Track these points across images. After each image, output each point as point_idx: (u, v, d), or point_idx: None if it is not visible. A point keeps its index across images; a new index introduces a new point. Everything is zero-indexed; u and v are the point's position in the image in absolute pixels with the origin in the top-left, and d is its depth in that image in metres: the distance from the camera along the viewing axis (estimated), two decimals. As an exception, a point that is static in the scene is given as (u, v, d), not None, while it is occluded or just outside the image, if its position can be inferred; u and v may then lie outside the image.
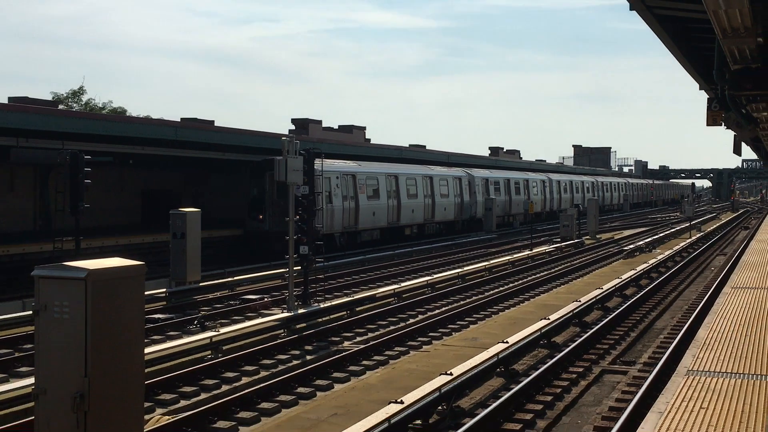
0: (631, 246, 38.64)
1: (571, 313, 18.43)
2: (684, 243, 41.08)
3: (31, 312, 7.26)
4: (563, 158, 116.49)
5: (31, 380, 8.99)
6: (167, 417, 11.56)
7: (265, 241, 32.14)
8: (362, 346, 16.45)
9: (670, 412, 8.63)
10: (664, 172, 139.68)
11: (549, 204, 63.18)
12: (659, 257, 32.81)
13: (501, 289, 25.33)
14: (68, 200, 20.25)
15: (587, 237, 44.52)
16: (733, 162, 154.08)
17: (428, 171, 44.65)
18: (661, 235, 47.12)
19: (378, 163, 41.05)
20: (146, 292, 8.56)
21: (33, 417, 7.03)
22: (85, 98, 57.98)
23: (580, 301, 19.78)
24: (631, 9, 10.84)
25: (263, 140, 34.24)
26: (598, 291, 21.67)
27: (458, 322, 19.60)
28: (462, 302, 22.72)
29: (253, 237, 33.56)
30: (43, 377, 6.88)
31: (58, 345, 6.77)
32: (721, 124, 17.67)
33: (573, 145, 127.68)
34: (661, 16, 11.55)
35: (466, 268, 28.80)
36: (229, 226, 34.13)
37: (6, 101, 28.59)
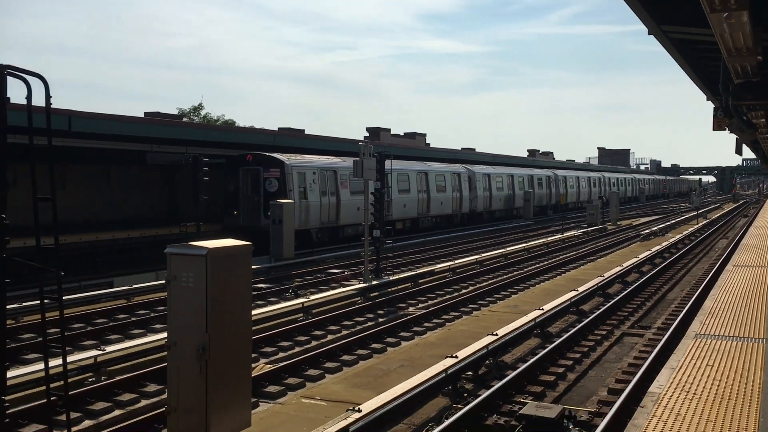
0: (647, 231, 37.63)
1: (596, 286, 18.08)
2: (692, 228, 39.85)
3: (163, 281, 7.43)
4: (589, 158, 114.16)
5: (164, 335, 9.25)
6: (269, 365, 11.76)
7: (241, 236, 30.19)
8: (424, 311, 16.45)
9: (681, 368, 8.42)
10: (675, 170, 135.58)
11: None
12: (671, 240, 31.91)
13: (537, 265, 24.98)
14: (191, 193, 20.72)
15: (610, 224, 43.52)
16: (735, 161, 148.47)
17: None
18: (673, 221, 45.77)
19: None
20: (252, 267, 8.64)
21: (166, 363, 7.19)
22: (203, 112, 59.14)
23: (603, 276, 19.39)
24: (649, 34, 10.54)
25: (343, 145, 34.36)
26: (619, 268, 21.22)
27: (502, 293, 19.42)
28: (505, 276, 22.50)
29: (230, 232, 30.46)
30: (174, 333, 7.02)
31: (185, 307, 6.89)
32: (725, 129, 17.14)
33: (597, 147, 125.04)
34: (675, 39, 11.22)
35: (508, 249, 28.49)
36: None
37: (142, 115, 29.37)
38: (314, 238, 28.14)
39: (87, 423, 9.20)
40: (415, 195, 35.46)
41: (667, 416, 6.75)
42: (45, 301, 5.50)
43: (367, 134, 43.40)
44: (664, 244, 29.78)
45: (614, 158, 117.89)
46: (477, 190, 42.34)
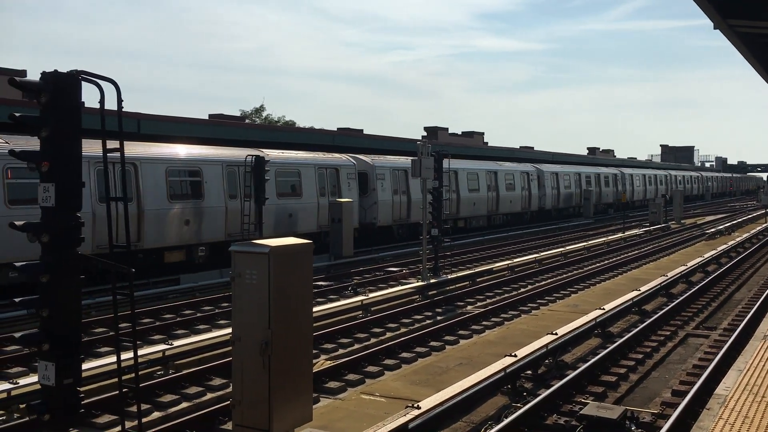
0: (712, 230, 36.47)
1: (658, 286, 17.64)
2: (760, 227, 38.38)
3: (226, 279, 7.60)
4: (651, 156, 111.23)
5: (229, 330, 9.45)
6: (329, 361, 11.88)
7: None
8: (482, 310, 16.34)
9: (748, 370, 8.15)
10: (741, 167, 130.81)
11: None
12: (737, 239, 30.83)
13: (597, 265, 24.50)
14: (253, 193, 21.06)
15: (673, 222, 42.34)
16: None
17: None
18: (739, 220, 44.20)
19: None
20: (313, 264, 8.68)
21: (231, 358, 7.35)
22: (264, 113, 60.20)
23: (666, 275, 18.89)
24: (714, 28, 10.22)
25: (401, 144, 34.43)
26: (683, 267, 20.62)
27: (561, 292, 19.13)
28: (564, 275, 22.15)
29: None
30: (238, 328, 7.14)
31: (249, 304, 7.01)
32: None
33: (660, 145, 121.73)
34: (742, 32, 10.84)
35: (567, 248, 28.04)
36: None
37: (207, 117, 30.08)
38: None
39: (156, 414, 9.49)
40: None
41: (734, 419, 6.54)
42: (117, 297, 5.70)
43: (425, 133, 43.36)
44: (731, 243, 28.79)
45: (678, 155, 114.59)
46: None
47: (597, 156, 67.76)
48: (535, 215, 42.63)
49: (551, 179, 44.05)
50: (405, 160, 29.78)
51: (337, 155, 27.50)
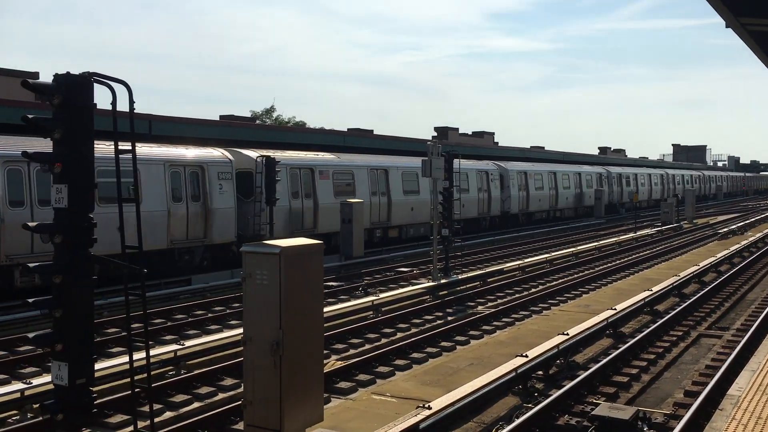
0: (725, 229, 36.20)
1: (671, 286, 17.54)
2: (773, 227, 38.12)
3: (237, 279, 7.62)
4: (663, 155, 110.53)
5: (240, 330, 9.47)
6: (340, 362, 11.88)
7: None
8: (493, 310, 16.31)
9: (762, 370, 8.09)
10: (754, 166, 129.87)
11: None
12: (750, 239, 30.60)
13: (609, 265, 24.39)
14: (264, 194, 21.13)
15: (685, 222, 42.08)
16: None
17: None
18: (752, 220, 43.87)
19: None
20: (324, 265, 8.62)
21: (242, 358, 7.37)
22: (275, 114, 60.32)
23: (679, 275, 18.79)
24: (726, 27, 10.16)
25: (412, 145, 34.43)
26: (695, 267, 20.50)
27: (572, 292, 19.06)
28: (575, 275, 22.06)
29: None
30: (249, 328, 7.17)
31: (260, 304, 7.03)
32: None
33: (672, 144, 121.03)
34: (754, 31, 10.77)
35: (579, 248, 27.93)
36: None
37: (218, 118, 30.20)
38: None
39: (168, 414, 9.53)
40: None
41: (747, 419, 6.50)
42: (129, 297, 5.73)
43: (435, 134, 43.33)
44: (743, 243, 28.58)
45: (690, 155, 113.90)
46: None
47: (608, 156, 67.46)
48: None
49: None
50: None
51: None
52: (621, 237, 33.08)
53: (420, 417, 8.02)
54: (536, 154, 49.59)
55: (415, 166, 29.40)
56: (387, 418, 8.61)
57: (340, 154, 27.81)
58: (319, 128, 52.75)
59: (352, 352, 12.95)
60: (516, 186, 38.41)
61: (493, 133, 50.93)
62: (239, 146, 23.83)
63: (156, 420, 8.11)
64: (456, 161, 20.28)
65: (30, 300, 5.20)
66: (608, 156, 67.14)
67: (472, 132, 48.89)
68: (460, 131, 45.92)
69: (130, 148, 5.48)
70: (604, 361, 11.13)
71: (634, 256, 26.69)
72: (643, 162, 74.94)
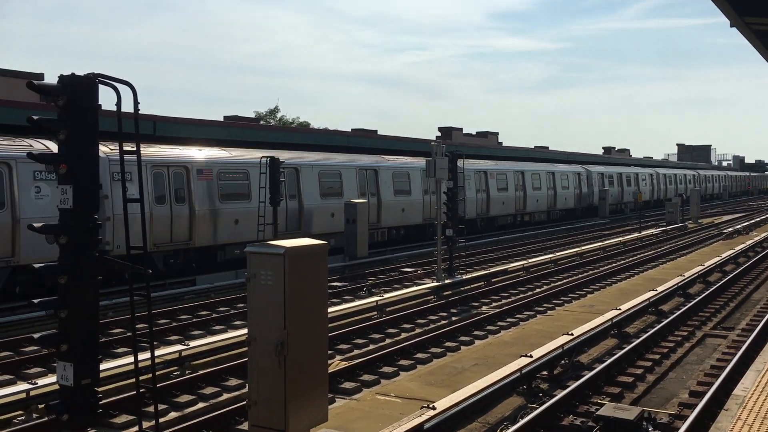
0: (730, 229, 36.09)
1: (675, 286, 17.50)
2: (778, 226, 38.00)
3: (242, 280, 7.62)
4: (668, 155, 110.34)
5: (244, 331, 9.49)
6: (345, 362, 11.88)
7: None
8: (497, 310, 16.30)
9: (767, 370, 8.06)
10: (759, 165, 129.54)
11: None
12: (755, 239, 30.51)
13: (613, 265, 24.36)
14: (268, 194, 21.10)
15: (690, 221, 41.99)
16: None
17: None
18: (757, 219, 43.73)
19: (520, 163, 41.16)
20: (328, 265, 8.61)
21: (247, 358, 7.37)
22: (279, 115, 60.40)
23: (684, 275, 18.74)
24: (731, 26, 10.14)
25: (416, 145, 34.39)
26: (700, 267, 20.45)
27: (577, 292, 19.04)
28: (580, 275, 22.03)
29: None
30: (254, 329, 7.15)
31: (264, 304, 7.02)
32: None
33: (677, 144, 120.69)
34: (759, 30, 10.74)
35: (583, 247, 27.89)
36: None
37: (222, 119, 30.24)
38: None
39: (173, 414, 9.55)
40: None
41: (752, 419, 6.48)
42: (134, 298, 5.74)
43: (439, 134, 43.30)
44: (749, 242, 28.50)
45: (694, 154, 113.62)
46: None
47: (612, 155, 67.35)
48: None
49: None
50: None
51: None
52: (625, 237, 33.02)
53: (424, 417, 8.02)
54: (539, 154, 49.52)
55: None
56: (391, 418, 8.61)
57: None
58: (324, 128, 52.87)
59: (356, 352, 12.95)
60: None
61: (496, 133, 50.88)
62: (243, 146, 23.82)
63: (161, 420, 8.11)
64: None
65: (35, 300, 5.21)
66: (612, 156, 67.04)
67: (476, 132, 48.87)
68: (465, 131, 45.91)
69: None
70: (609, 361, 11.11)
71: (638, 256, 26.64)
72: (647, 162, 74.76)
